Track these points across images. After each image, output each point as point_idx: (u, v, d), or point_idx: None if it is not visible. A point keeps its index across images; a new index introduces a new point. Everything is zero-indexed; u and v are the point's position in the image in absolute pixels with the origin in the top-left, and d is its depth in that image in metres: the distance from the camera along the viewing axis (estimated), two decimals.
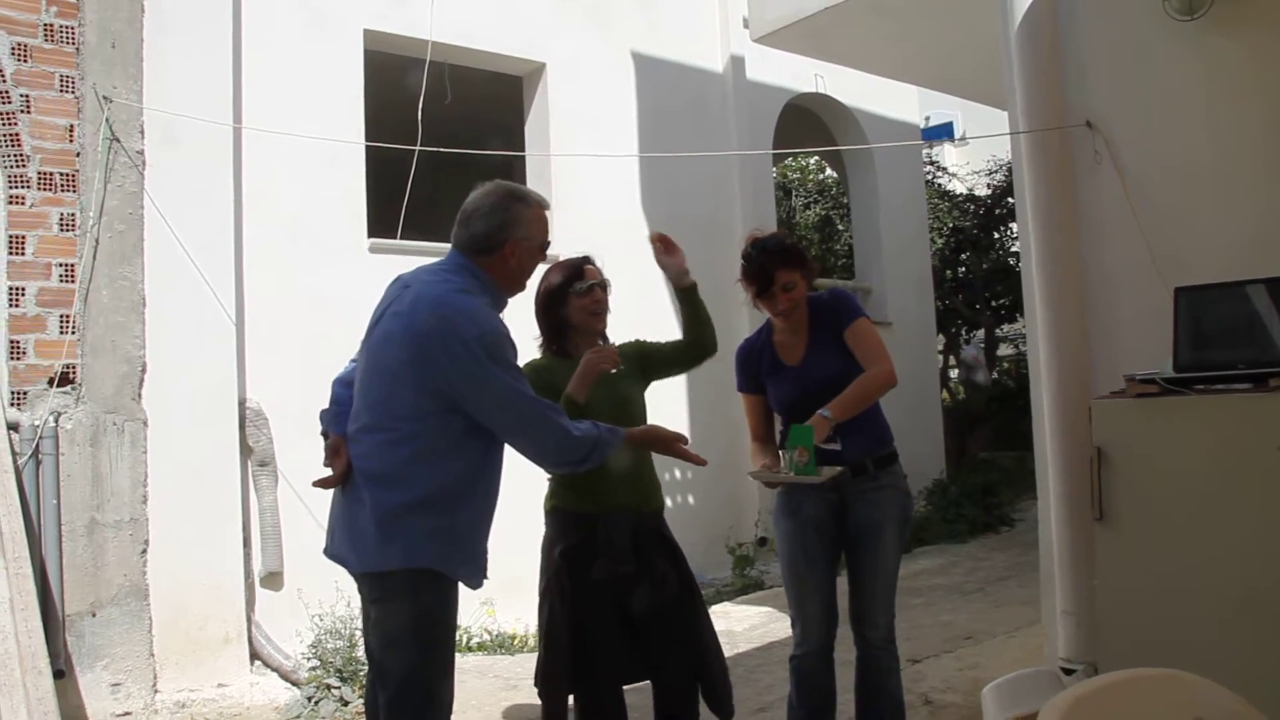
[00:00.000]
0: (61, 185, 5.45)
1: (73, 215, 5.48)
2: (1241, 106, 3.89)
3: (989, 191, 15.27)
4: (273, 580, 6.28)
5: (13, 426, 5.16)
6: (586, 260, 3.55)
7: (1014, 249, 14.17)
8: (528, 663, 6.15)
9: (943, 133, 18.41)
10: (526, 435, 2.87)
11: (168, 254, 5.77)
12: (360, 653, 5.62)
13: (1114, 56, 4.19)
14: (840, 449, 3.41)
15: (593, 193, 8.20)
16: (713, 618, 3.69)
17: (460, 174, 3.20)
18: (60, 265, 5.44)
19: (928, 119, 16.42)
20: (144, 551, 5.55)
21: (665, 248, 3.61)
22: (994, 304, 15.13)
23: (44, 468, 5.20)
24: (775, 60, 9.22)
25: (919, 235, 11.90)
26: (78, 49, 5.55)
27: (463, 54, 7.75)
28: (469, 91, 8.01)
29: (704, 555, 7.59)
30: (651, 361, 3.65)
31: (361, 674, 5.53)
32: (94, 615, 5.35)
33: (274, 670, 6.00)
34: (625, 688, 3.44)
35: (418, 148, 6.57)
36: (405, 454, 2.83)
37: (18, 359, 5.29)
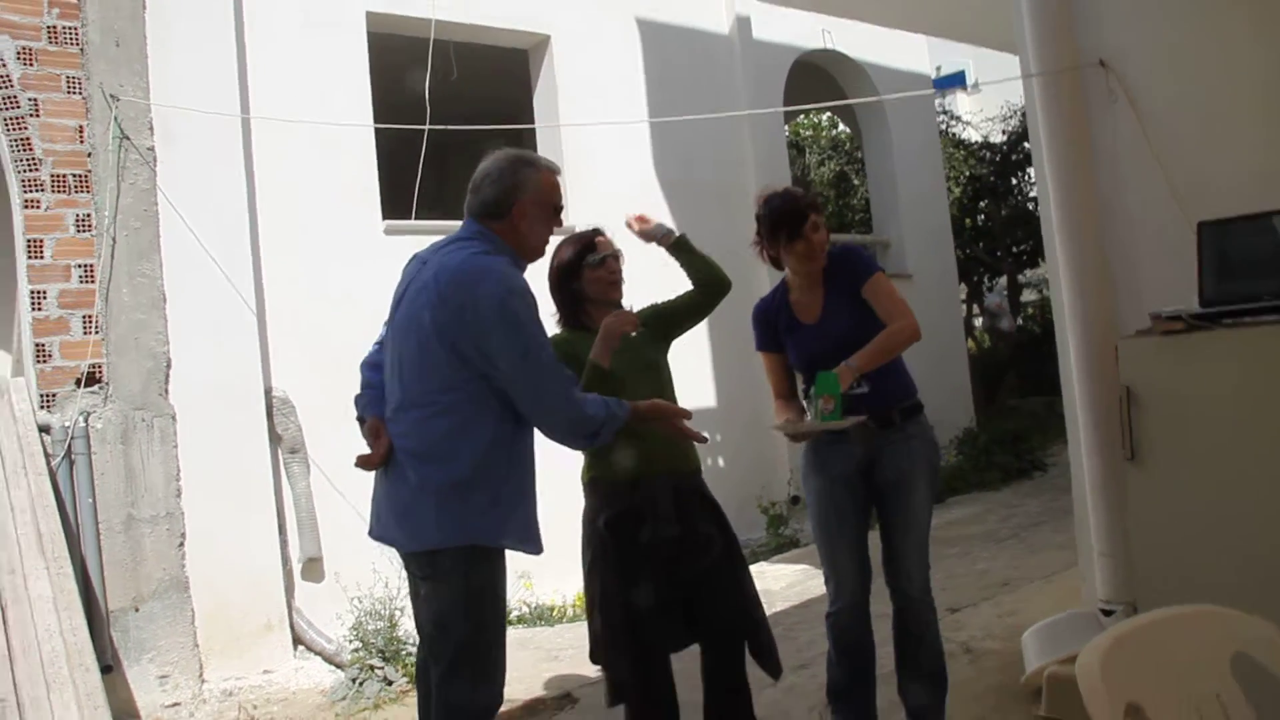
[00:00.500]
0: (75, 186, 5.48)
1: (88, 216, 5.51)
2: (1255, 38, 3.83)
3: (1004, 138, 15.14)
4: (312, 566, 6.34)
5: (44, 429, 5.21)
6: (597, 232, 3.54)
7: (1032, 194, 14.06)
8: (567, 634, 6.22)
9: (954, 81, 18.21)
10: (540, 398, 2.84)
11: (184, 248, 5.80)
12: (401, 632, 5.67)
13: None
14: (868, 391, 3.41)
15: (604, 162, 8.18)
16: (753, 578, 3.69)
17: (470, 151, 3.19)
18: (79, 266, 5.47)
19: (939, 69, 16.24)
20: (181, 544, 5.61)
21: (638, 223, 3.68)
22: (1015, 250, 15.04)
23: (77, 468, 5.26)
24: (781, 18, 9.16)
25: (936, 186, 11.83)
26: (82, 49, 5.56)
27: (466, 30, 7.72)
28: (475, 68, 7.98)
29: (737, 516, 7.56)
30: (670, 317, 3.63)
31: (403, 653, 5.58)
32: (137, 610, 5.41)
33: (317, 654, 6.06)
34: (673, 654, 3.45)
35: (427, 127, 6.55)
36: (444, 428, 2.84)
37: (44, 362, 5.34)
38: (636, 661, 3.33)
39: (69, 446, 5.24)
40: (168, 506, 5.58)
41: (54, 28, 5.48)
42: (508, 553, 2.96)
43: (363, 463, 3.05)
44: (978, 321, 16.20)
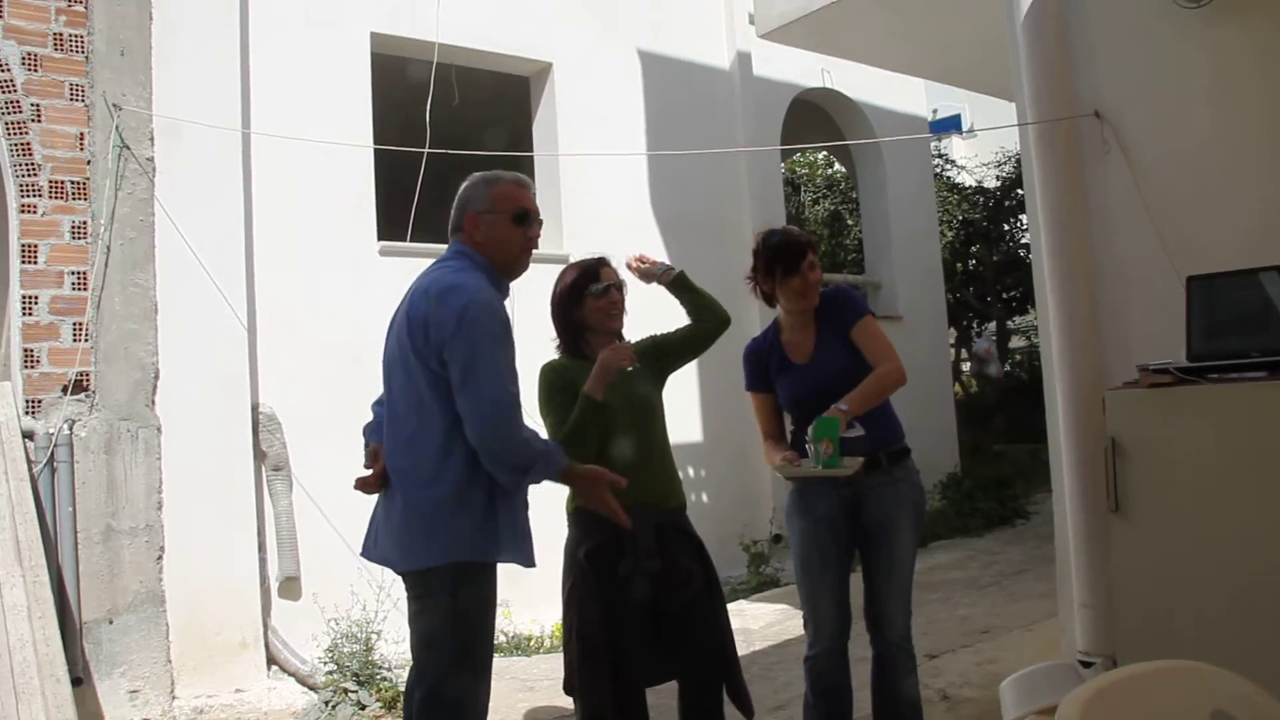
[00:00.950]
0: (72, 193, 5.48)
1: (84, 223, 5.51)
2: (1249, 94, 3.87)
3: (998, 183, 15.25)
4: (289, 585, 6.30)
5: (28, 435, 5.18)
6: (602, 261, 3.54)
7: (1024, 240, 14.16)
8: (543, 664, 6.18)
9: (950, 125, 18.38)
10: (479, 413, 2.79)
11: (179, 260, 5.79)
12: (377, 656, 5.65)
13: (1121, 46, 4.17)
14: (864, 433, 3.43)
15: (601, 192, 8.21)
16: (729, 615, 3.68)
17: (469, 176, 3.22)
18: (72, 273, 5.46)
19: (935, 112, 16.39)
20: (160, 558, 5.57)
21: (637, 263, 3.70)
22: (1005, 296, 15.11)
23: (59, 475, 5.23)
24: (782, 56, 9.21)
25: (928, 228, 11.88)
26: (87, 57, 5.57)
27: (469, 55, 7.76)
28: (476, 93, 8.02)
29: (718, 552, 7.54)
30: (668, 351, 3.63)
31: (378, 677, 5.55)
32: (111, 622, 5.37)
33: (291, 675, 6.01)
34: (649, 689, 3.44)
35: (426, 149, 6.57)
36: (430, 448, 2.86)
37: (32, 367, 5.32)
38: (612, 693, 3.30)
39: (52, 454, 5.22)
40: (148, 519, 5.54)
41: (60, 35, 5.49)
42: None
43: (360, 485, 3.09)
44: (965, 366, 16.25)
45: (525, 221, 3.11)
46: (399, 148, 6.57)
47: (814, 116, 10.85)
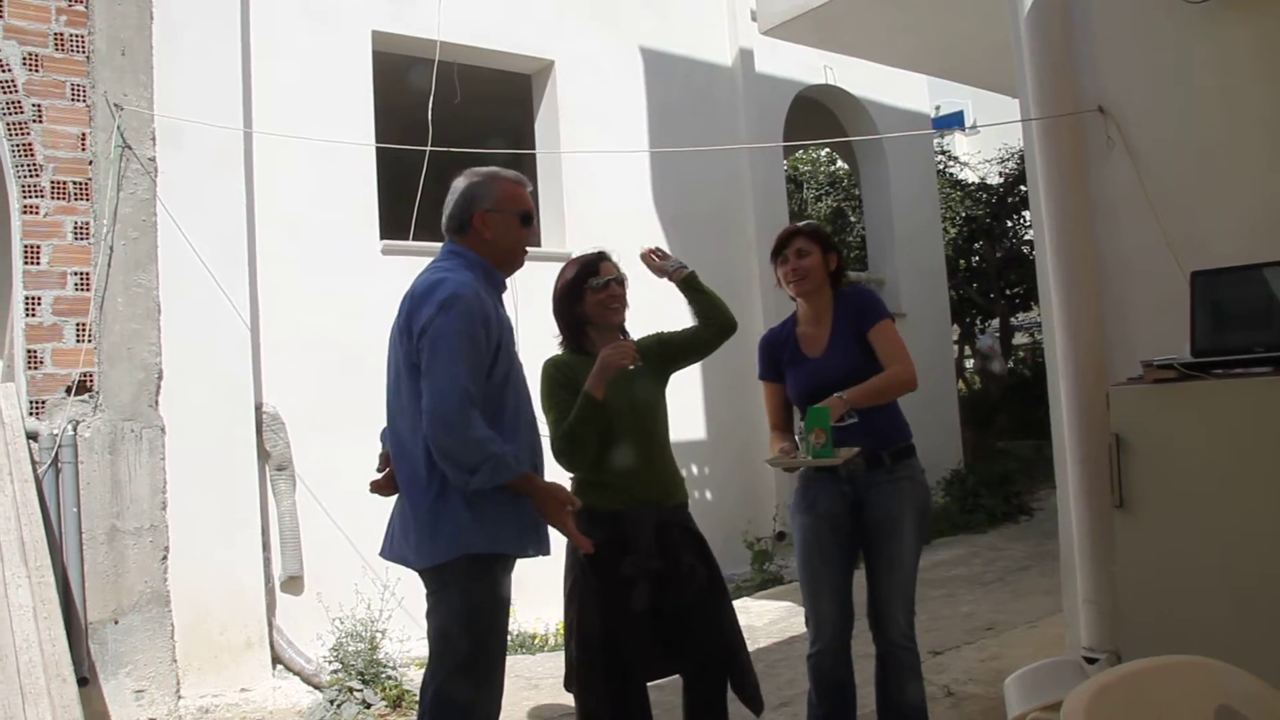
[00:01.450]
0: (75, 194, 5.48)
1: (86, 223, 5.51)
2: (1253, 89, 3.86)
3: (1001, 180, 15.22)
4: (293, 584, 6.30)
5: (32, 436, 5.19)
6: (602, 256, 3.53)
7: (1027, 237, 14.12)
8: (548, 662, 6.18)
9: (953, 122, 18.36)
10: (434, 404, 2.77)
11: (181, 260, 5.80)
12: (382, 655, 5.66)
13: (1125, 41, 4.16)
14: (858, 421, 3.42)
15: (604, 189, 8.20)
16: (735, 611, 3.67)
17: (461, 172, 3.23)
18: (75, 274, 5.46)
19: (938, 108, 16.38)
20: (164, 558, 5.58)
21: (655, 257, 3.68)
22: (1008, 293, 15.09)
23: (63, 476, 5.23)
24: (784, 52, 9.20)
25: (931, 225, 11.87)
26: (88, 57, 5.57)
27: (471, 53, 7.76)
28: (478, 91, 8.01)
29: (722, 550, 7.55)
30: (672, 351, 3.62)
31: (383, 676, 5.56)
32: (116, 622, 5.37)
33: (296, 674, 6.02)
34: (652, 684, 3.42)
35: (428, 148, 6.57)
36: (422, 448, 2.87)
37: (35, 368, 5.32)
38: (612, 691, 3.30)
39: (56, 455, 5.22)
40: (152, 519, 5.55)
41: (61, 35, 5.49)
42: None
43: (374, 488, 3.13)
44: (969, 363, 16.23)
45: (528, 222, 3.16)
46: (401, 146, 6.57)
47: (816, 113, 10.84)
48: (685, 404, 7.81)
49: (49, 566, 4.77)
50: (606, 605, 3.28)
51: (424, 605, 2.99)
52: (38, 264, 5.37)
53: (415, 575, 3.02)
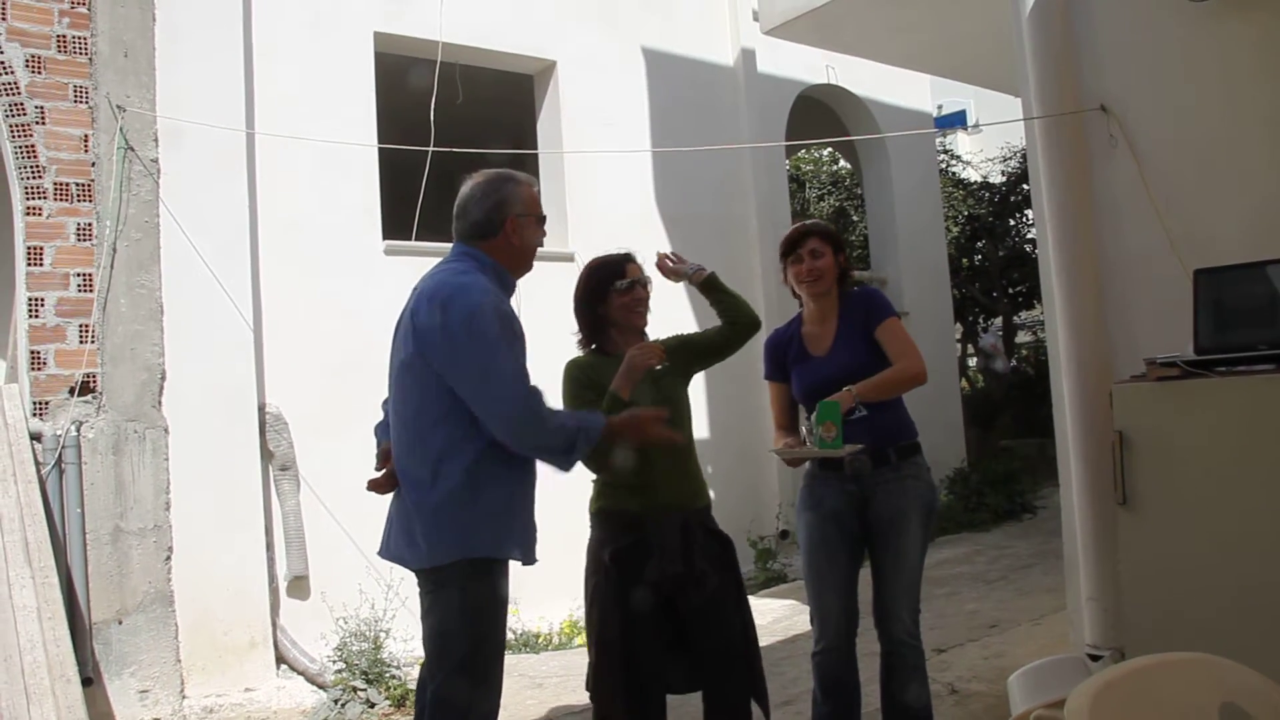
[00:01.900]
0: (77, 195, 5.49)
1: (89, 225, 5.52)
2: (1256, 87, 3.86)
3: (1003, 179, 15.21)
4: (297, 584, 6.31)
5: (35, 437, 5.19)
6: (628, 257, 3.48)
7: (1030, 236, 14.12)
8: (552, 661, 6.19)
9: (955, 121, 18.34)
10: (505, 416, 2.82)
11: (184, 261, 5.80)
12: (386, 655, 5.67)
13: (1127, 40, 4.16)
14: (867, 414, 3.44)
15: (606, 190, 8.20)
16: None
17: (480, 174, 3.22)
18: (78, 275, 5.47)
19: (940, 107, 16.34)
20: (168, 558, 5.58)
21: (670, 262, 3.64)
22: (1011, 291, 15.08)
23: (67, 477, 5.24)
24: (786, 52, 9.19)
25: (934, 224, 11.86)
26: (90, 59, 5.58)
27: (473, 54, 7.76)
28: (480, 91, 8.02)
29: None
30: (695, 351, 3.58)
31: (387, 676, 5.57)
32: (120, 623, 5.38)
33: (300, 674, 6.02)
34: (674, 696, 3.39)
35: (430, 149, 6.57)
36: (434, 449, 2.87)
37: (38, 369, 5.33)
38: (627, 701, 3.27)
39: (60, 455, 5.23)
40: (156, 519, 5.56)
41: (63, 37, 5.50)
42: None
43: (372, 486, 3.10)
44: (972, 361, 16.22)
45: (543, 224, 3.17)
46: (403, 146, 6.57)
47: (818, 113, 10.83)
48: (690, 403, 7.79)
49: (53, 567, 4.78)
50: (629, 610, 3.23)
51: None
52: (41, 265, 5.38)
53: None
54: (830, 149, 15.12)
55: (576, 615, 6.99)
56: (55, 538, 5.03)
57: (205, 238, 5.89)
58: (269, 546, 6.15)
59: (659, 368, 3.31)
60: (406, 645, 5.73)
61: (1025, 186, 13.20)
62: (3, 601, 4.53)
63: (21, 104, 5.34)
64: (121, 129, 5.59)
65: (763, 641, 5.88)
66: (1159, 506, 3.18)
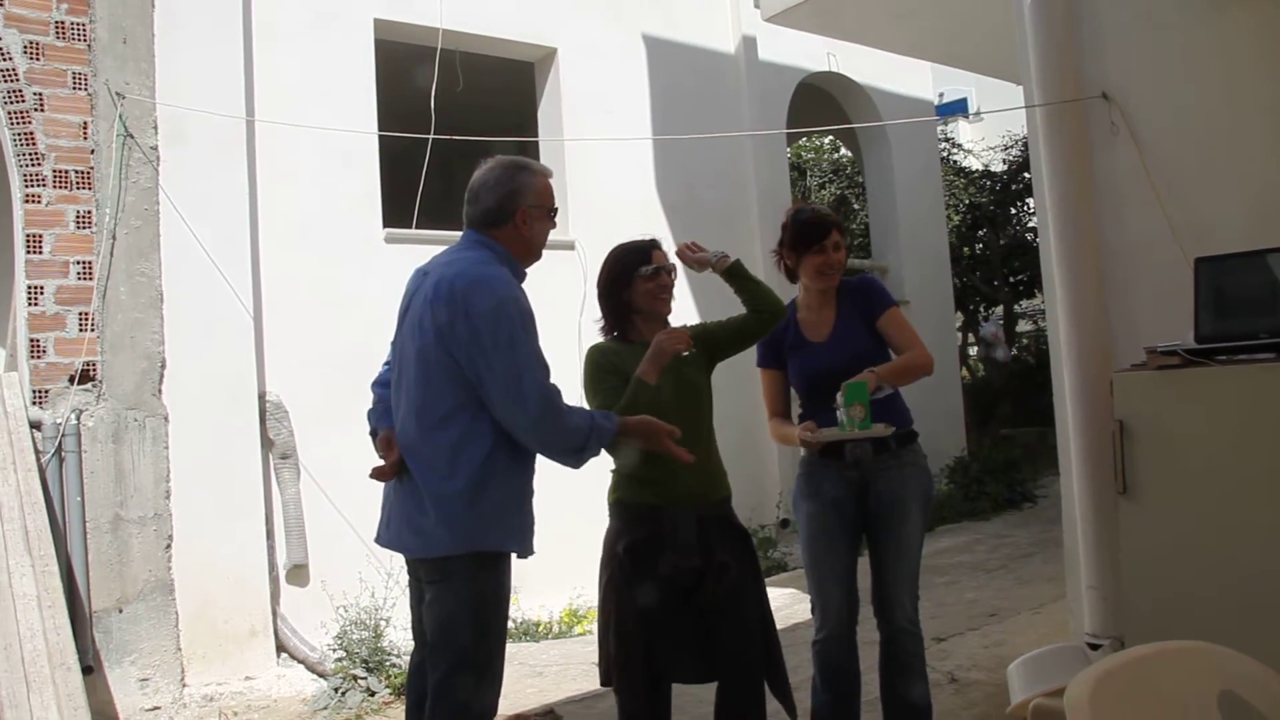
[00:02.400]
0: (77, 183, 5.48)
1: (89, 212, 5.51)
2: (1257, 75, 3.85)
3: (1005, 167, 15.18)
4: (297, 573, 6.31)
5: (35, 425, 5.19)
6: (654, 244, 3.43)
7: (1031, 224, 14.10)
8: (552, 650, 6.20)
9: (957, 109, 18.33)
10: (524, 412, 2.82)
11: (184, 249, 5.80)
12: (386, 643, 5.66)
13: (1129, 27, 4.15)
14: (894, 391, 3.47)
15: (607, 177, 8.19)
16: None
17: (474, 162, 3.18)
18: (78, 263, 5.46)
19: (941, 95, 16.33)
20: (168, 547, 5.59)
21: (690, 251, 3.54)
22: (1012, 280, 15.07)
23: (67, 465, 5.24)
24: (787, 40, 9.18)
25: (935, 213, 11.85)
26: (89, 46, 5.57)
27: (474, 41, 7.75)
28: (481, 79, 8.00)
29: None
30: (716, 340, 3.51)
31: (387, 664, 5.56)
32: (120, 611, 5.39)
33: (300, 662, 6.03)
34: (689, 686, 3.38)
35: (431, 136, 6.56)
36: (447, 439, 2.86)
37: (38, 357, 5.33)
38: (648, 695, 3.24)
39: (59, 444, 5.23)
40: (156, 508, 5.56)
41: (62, 23, 5.48)
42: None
43: (376, 474, 3.06)
44: (973, 350, 16.22)
45: (554, 216, 3.15)
46: (404, 134, 6.56)
47: (820, 100, 10.81)
48: None
49: (53, 556, 4.78)
50: (644, 606, 3.20)
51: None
52: (40, 253, 5.37)
53: None
54: (831, 137, 15.09)
55: (576, 604, 7.00)
56: (55, 526, 5.03)
57: (205, 225, 5.88)
58: (269, 535, 6.16)
59: (686, 354, 3.26)
60: (406, 634, 5.68)
61: (1027, 175, 13.17)
62: (3, 590, 4.53)
63: (20, 91, 5.33)
64: (121, 116, 5.58)
65: None
66: (1159, 495, 3.18)
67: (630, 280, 3.38)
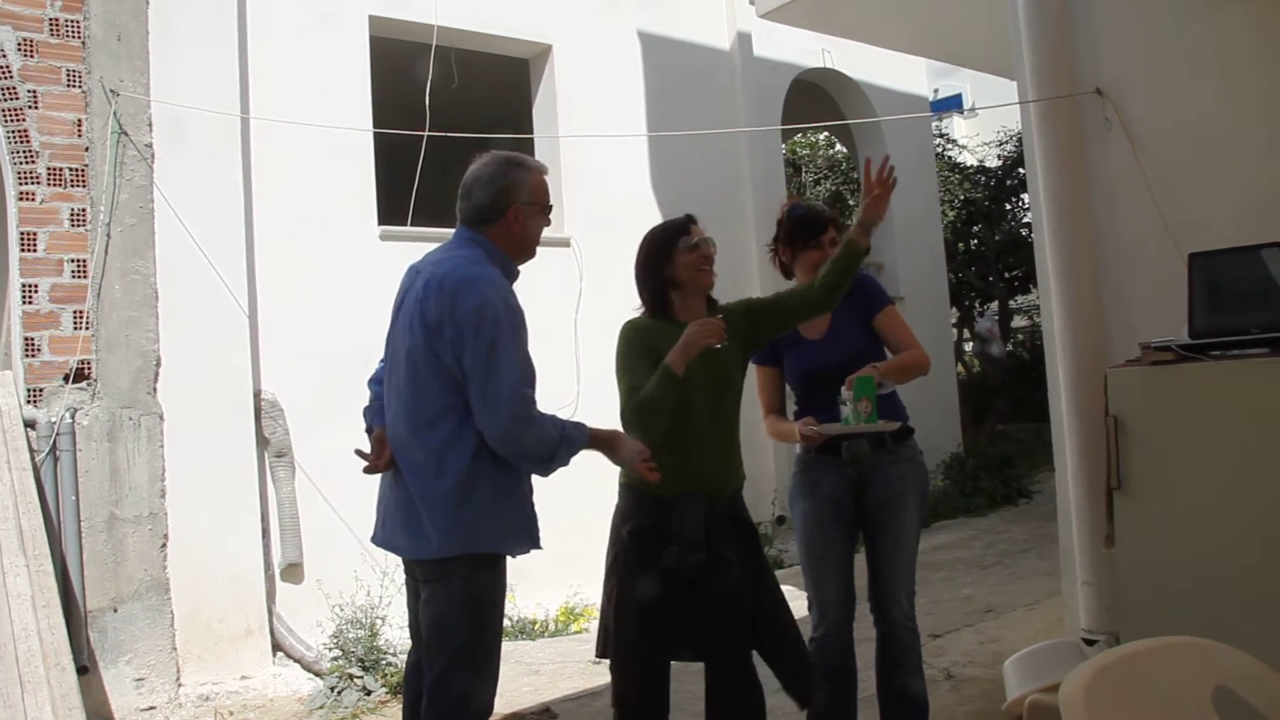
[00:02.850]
0: (71, 180, 5.46)
1: (83, 210, 5.49)
2: (1250, 70, 3.85)
3: (999, 163, 15.21)
4: (292, 571, 6.31)
5: (29, 423, 5.18)
6: (691, 219, 3.40)
7: (1026, 220, 14.12)
8: (549, 648, 6.20)
9: (951, 105, 18.35)
10: (497, 416, 2.78)
11: (179, 247, 5.78)
12: (382, 641, 5.65)
13: (1123, 23, 4.15)
14: (895, 389, 3.49)
15: (602, 174, 8.18)
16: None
17: (469, 159, 3.18)
18: (72, 261, 5.45)
19: (936, 91, 16.34)
20: (164, 546, 5.58)
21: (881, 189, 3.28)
22: (1007, 276, 15.09)
23: (62, 464, 5.23)
24: (782, 36, 9.17)
25: (930, 209, 11.85)
26: (83, 43, 5.55)
27: (468, 38, 7.73)
28: (476, 76, 7.99)
29: None
30: (764, 317, 3.41)
31: (383, 663, 5.56)
32: (116, 611, 5.38)
33: (296, 661, 6.03)
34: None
35: (426, 133, 6.55)
36: (435, 440, 2.85)
37: (32, 356, 5.31)
38: (643, 674, 3.23)
39: (54, 443, 5.21)
40: (151, 507, 5.55)
41: (56, 20, 5.47)
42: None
43: (369, 467, 3.07)
44: (968, 346, 16.23)
45: (548, 213, 3.14)
46: (399, 131, 6.55)
47: (815, 97, 10.81)
48: None
49: (48, 555, 4.77)
50: (644, 594, 3.18)
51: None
52: (34, 251, 5.36)
53: None
54: (827, 133, 15.10)
55: (573, 602, 7.00)
56: (50, 525, 5.02)
57: (200, 223, 5.87)
58: (264, 533, 6.14)
59: (719, 347, 3.17)
60: (402, 632, 5.69)
61: (1021, 170, 13.20)
62: None
63: (14, 88, 5.32)
64: (115, 113, 5.56)
65: None
66: (1154, 491, 3.18)
67: (671, 254, 3.33)
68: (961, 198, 14.46)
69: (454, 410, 2.84)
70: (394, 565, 5.19)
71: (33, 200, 5.36)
